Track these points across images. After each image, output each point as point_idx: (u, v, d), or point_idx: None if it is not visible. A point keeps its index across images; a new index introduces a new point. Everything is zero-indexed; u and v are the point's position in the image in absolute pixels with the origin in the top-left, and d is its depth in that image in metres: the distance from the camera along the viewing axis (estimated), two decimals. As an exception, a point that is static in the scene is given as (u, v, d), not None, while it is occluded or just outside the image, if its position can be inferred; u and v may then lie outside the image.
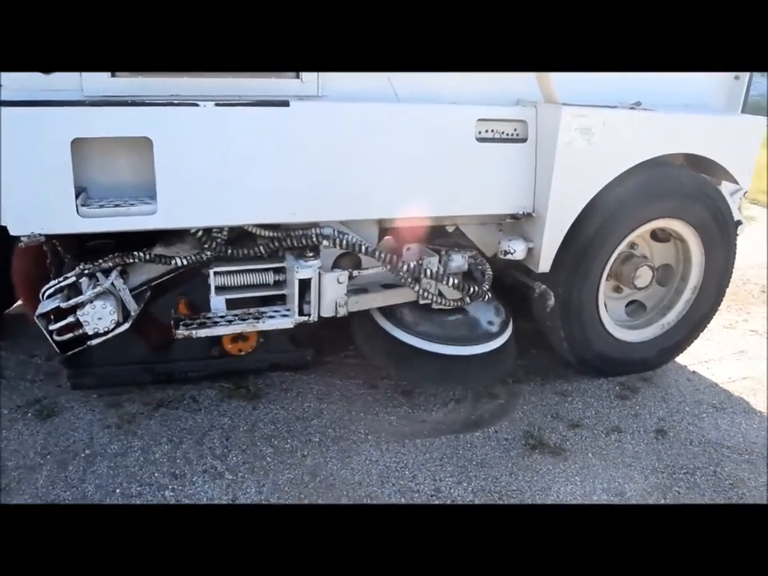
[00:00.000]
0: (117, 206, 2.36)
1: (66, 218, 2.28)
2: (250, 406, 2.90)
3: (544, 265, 2.80)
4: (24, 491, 2.37)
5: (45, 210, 2.27)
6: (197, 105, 2.33)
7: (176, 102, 2.33)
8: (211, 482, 2.44)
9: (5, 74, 2.28)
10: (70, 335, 2.46)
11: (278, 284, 2.75)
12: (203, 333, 2.56)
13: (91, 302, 2.40)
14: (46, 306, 2.44)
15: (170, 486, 2.41)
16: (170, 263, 2.53)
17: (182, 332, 2.54)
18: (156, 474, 2.47)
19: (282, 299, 2.79)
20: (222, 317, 2.63)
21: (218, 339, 2.82)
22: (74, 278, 2.44)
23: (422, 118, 2.60)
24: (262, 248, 2.64)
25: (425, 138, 2.61)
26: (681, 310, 3.20)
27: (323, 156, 2.49)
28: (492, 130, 2.71)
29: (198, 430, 2.74)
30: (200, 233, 2.52)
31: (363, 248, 2.57)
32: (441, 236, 3.00)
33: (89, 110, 2.25)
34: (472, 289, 2.73)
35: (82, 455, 2.57)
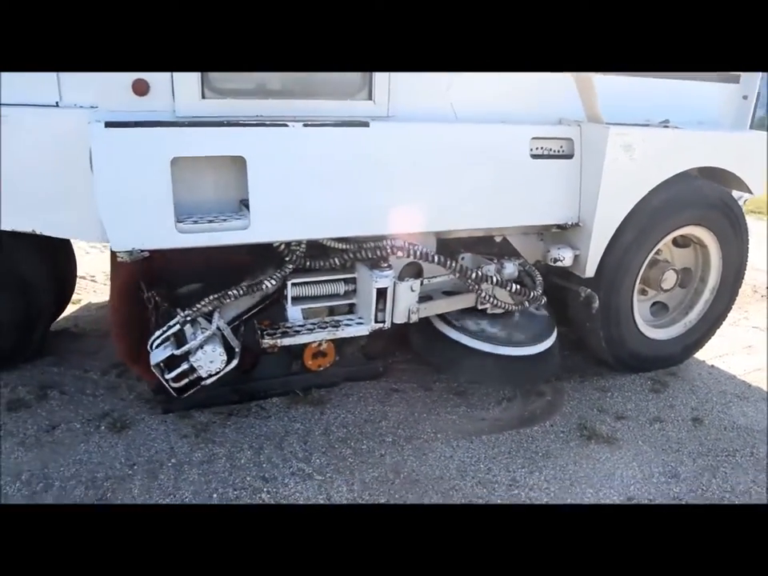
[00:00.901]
0: (210, 221, 2.47)
1: (166, 234, 2.38)
2: (318, 412, 3.03)
3: (590, 270, 3.05)
4: (123, 500, 2.43)
5: (145, 226, 2.36)
6: (286, 125, 2.48)
7: (267, 122, 2.47)
8: (303, 483, 2.56)
9: (101, 97, 2.38)
10: (186, 380, 2.57)
11: (347, 294, 2.91)
12: (287, 341, 2.69)
13: (201, 347, 2.50)
14: (159, 356, 2.57)
15: (265, 489, 2.52)
16: (261, 288, 2.64)
17: (267, 341, 2.66)
18: (248, 479, 2.57)
19: (350, 308, 2.95)
20: (301, 326, 2.76)
21: (299, 356, 2.93)
22: (178, 326, 2.55)
23: (483, 136, 2.81)
24: (336, 260, 2.78)
25: (485, 155, 2.82)
26: (701, 309, 3.52)
27: (397, 173, 2.67)
28: (542, 148, 2.95)
29: (274, 435, 2.84)
30: (282, 247, 2.65)
31: (436, 258, 2.75)
32: (487, 245, 3.22)
33: (188, 130, 2.36)
34: (532, 293, 2.95)
35: (169, 464, 2.64)
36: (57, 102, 2.45)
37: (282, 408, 3.05)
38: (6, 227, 2.59)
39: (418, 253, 2.73)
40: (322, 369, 3.06)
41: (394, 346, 3.41)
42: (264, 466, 2.65)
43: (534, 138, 2.89)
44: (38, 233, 2.58)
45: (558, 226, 3.05)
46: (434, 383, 3.31)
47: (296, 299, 2.80)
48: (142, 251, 2.34)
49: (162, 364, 2.58)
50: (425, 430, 2.94)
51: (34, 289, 3.13)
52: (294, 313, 2.79)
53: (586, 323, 3.25)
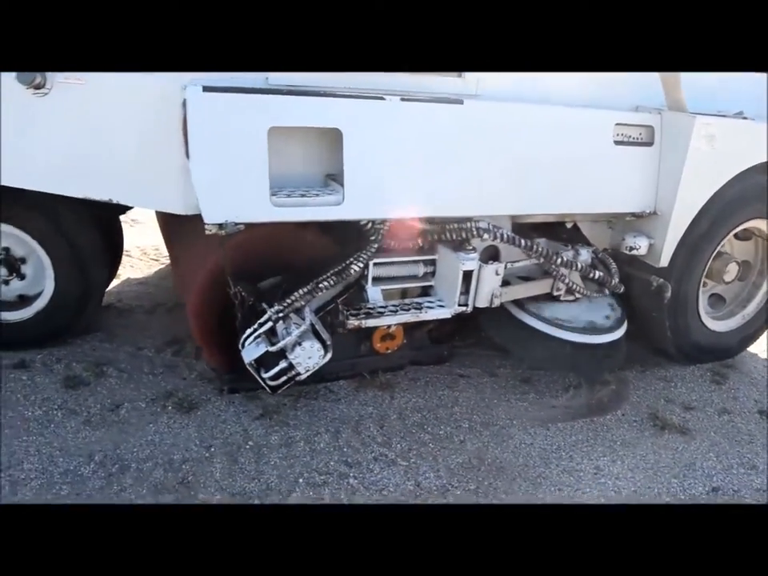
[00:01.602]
0: (302, 195, 2.37)
1: (260, 207, 2.28)
2: (387, 396, 2.96)
3: (664, 260, 3.02)
4: (205, 484, 2.34)
5: (240, 197, 2.26)
6: (383, 98, 2.38)
7: (365, 94, 2.37)
8: (388, 469, 2.49)
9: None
10: (284, 378, 2.49)
11: (425, 276, 2.83)
12: (372, 323, 2.62)
13: (299, 343, 2.41)
14: (253, 354, 2.49)
15: (351, 474, 2.45)
16: (349, 274, 2.55)
17: (352, 322, 2.57)
18: (331, 463, 2.50)
19: (422, 290, 2.88)
20: (383, 307, 2.68)
21: (368, 338, 2.85)
22: (271, 323, 2.46)
23: (570, 120, 2.75)
24: (419, 240, 2.70)
25: (570, 139, 2.76)
26: (759, 301, 3.52)
27: (485, 153, 2.60)
28: (623, 134, 2.89)
29: (348, 419, 2.77)
30: (369, 225, 2.56)
31: (522, 242, 2.69)
32: (556, 231, 3.17)
33: (288, 98, 2.25)
34: (613, 281, 2.91)
35: (246, 447, 2.55)
36: (142, 63, 2.31)
37: (350, 391, 2.97)
38: (79, 195, 2.47)
39: (505, 236, 2.67)
40: (389, 351, 2.99)
41: (456, 331, 3.35)
42: (345, 450, 2.58)
43: (617, 124, 2.84)
44: (114, 202, 2.45)
45: (634, 214, 3.01)
46: (498, 369, 3.26)
47: (376, 280, 2.71)
48: (237, 224, 2.23)
49: (254, 362, 2.50)
50: (499, 416, 2.89)
51: (91, 262, 3.00)
52: (374, 293, 2.71)
53: (652, 312, 3.23)
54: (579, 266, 2.84)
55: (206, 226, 2.31)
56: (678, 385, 3.29)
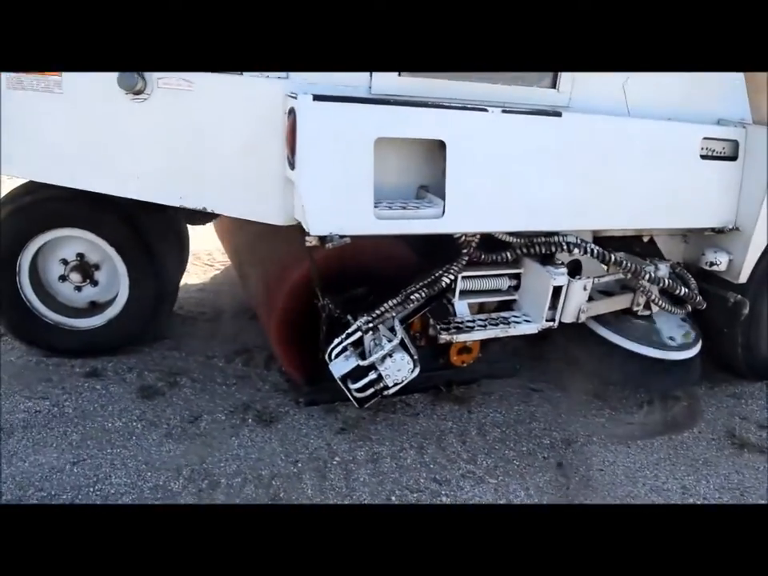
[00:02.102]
0: (403, 208, 2.33)
1: (365, 220, 2.24)
2: (464, 410, 2.92)
3: (743, 276, 2.99)
4: (298, 501, 2.30)
5: (346, 209, 2.22)
6: (486, 110, 2.35)
7: (468, 106, 2.34)
8: (478, 487, 2.46)
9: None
10: (372, 390, 2.45)
11: (508, 290, 2.80)
12: (463, 337, 2.59)
13: (389, 355, 2.37)
14: (343, 367, 2.47)
15: (443, 492, 2.42)
16: (441, 286, 2.52)
17: (444, 337, 2.54)
18: (421, 480, 2.46)
19: (501, 304, 2.85)
20: (472, 321, 2.65)
21: (445, 351, 2.81)
22: (360, 334, 2.44)
23: (661, 133, 2.72)
24: (508, 254, 2.67)
25: (660, 152, 2.73)
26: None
27: (581, 165, 2.57)
28: (708, 148, 2.87)
29: (430, 434, 2.73)
30: (462, 238, 2.53)
31: (613, 257, 2.66)
32: (630, 245, 3.14)
33: (396, 109, 2.22)
34: (697, 297, 2.89)
35: (334, 462, 2.52)
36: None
37: (427, 405, 2.94)
38: (174, 203, 2.43)
39: (595, 251, 2.64)
40: (464, 365, 2.95)
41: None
42: (432, 467, 2.54)
43: (704, 138, 2.81)
44: (209, 211, 2.41)
45: (714, 230, 2.98)
46: (569, 383, 3.23)
47: (462, 293, 2.68)
48: (342, 237, 2.19)
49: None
50: (578, 432, 2.86)
51: (166, 269, 2.96)
52: (461, 307, 2.68)
53: (724, 328, 3.21)
54: (667, 282, 2.81)
55: (306, 239, 2.27)
56: (749, 402, 3.26)
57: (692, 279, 3.02)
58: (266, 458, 2.51)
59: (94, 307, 3.06)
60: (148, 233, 2.86)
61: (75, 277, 2.97)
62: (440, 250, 2.67)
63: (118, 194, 2.45)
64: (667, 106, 2.81)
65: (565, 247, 2.62)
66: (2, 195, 2.93)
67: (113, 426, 2.61)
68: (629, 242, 3.11)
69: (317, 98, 2.10)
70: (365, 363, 2.44)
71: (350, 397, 2.54)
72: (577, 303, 2.71)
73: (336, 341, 2.52)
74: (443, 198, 2.33)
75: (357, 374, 2.50)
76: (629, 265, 2.69)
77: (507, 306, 2.85)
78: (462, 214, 2.37)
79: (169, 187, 2.40)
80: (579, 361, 3.16)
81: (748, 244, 2.94)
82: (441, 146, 2.32)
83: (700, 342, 3.07)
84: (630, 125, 2.67)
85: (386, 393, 2.52)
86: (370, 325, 2.49)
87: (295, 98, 2.09)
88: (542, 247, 2.64)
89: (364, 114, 2.17)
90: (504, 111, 2.37)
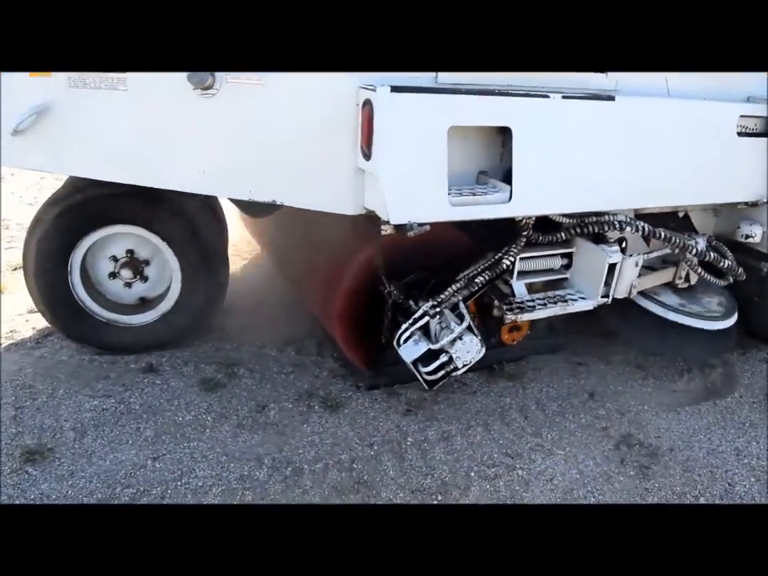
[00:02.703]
0: (473, 194, 2.38)
1: (441, 207, 2.29)
2: (519, 386, 3.02)
3: (776, 246, 3.13)
4: (384, 482, 2.37)
5: (423, 197, 2.26)
6: (548, 96, 2.40)
7: (531, 93, 2.39)
8: (549, 459, 2.56)
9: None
10: (443, 372, 2.51)
11: (560, 269, 2.89)
12: (527, 317, 2.67)
13: (459, 337, 2.43)
14: (415, 352, 2.53)
15: (517, 465, 2.51)
16: (502, 267, 2.59)
17: (509, 317, 2.62)
18: (495, 456, 2.55)
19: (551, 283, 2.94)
20: (531, 301, 2.73)
21: (496, 330, 2.89)
22: (427, 318, 2.50)
23: (702, 113, 2.80)
24: (562, 234, 2.75)
25: (701, 131, 2.82)
26: None
27: (632, 147, 2.64)
28: (742, 126, 2.97)
29: (491, 411, 2.82)
30: (523, 221, 2.59)
31: (662, 234, 2.76)
32: (664, 221, 3.25)
33: (467, 98, 2.26)
34: (739, 269, 3.01)
35: (407, 443, 2.59)
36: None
37: (482, 383, 3.03)
38: (242, 197, 2.44)
39: (646, 229, 2.73)
40: (514, 343, 3.04)
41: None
42: (501, 442, 2.64)
43: (741, 116, 2.91)
44: (278, 203, 2.43)
45: (747, 204, 3.10)
46: (611, 356, 3.35)
47: (520, 274, 2.76)
48: (421, 225, 2.24)
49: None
50: (628, 402, 2.98)
51: (218, 262, 2.97)
52: (519, 288, 2.76)
53: (755, 297, 3.35)
54: (711, 255, 2.93)
55: (382, 227, 2.32)
56: (781, 366, 3.43)
57: (728, 251, 3.15)
58: (341, 443, 2.57)
59: (143, 303, 3.05)
60: (200, 227, 2.86)
61: (126, 273, 2.96)
62: (473, 231, 2.74)
63: (183, 190, 2.44)
64: (702, 86, 2.91)
65: (617, 226, 2.71)
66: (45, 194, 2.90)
67: (183, 420, 2.63)
68: (665, 218, 3.21)
69: (394, 89, 2.13)
70: (436, 347, 2.51)
71: (420, 379, 2.61)
72: (629, 279, 2.81)
73: (403, 326, 2.57)
74: (505, 182, 2.40)
75: (426, 356, 2.57)
76: (677, 240, 2.79)
77: (554, 284, 2.94)
78: (528, 197, 2.44)
79: (238, 181, 2.40)
80: (617, 333, 3.28)
81: (780, 216, 3.08)
82: (500, 131, 2.38)
83: (736, 311, 3.21)
84: (675, 106, 2.74)
85: (455, 374, 2.60)
86: (437, 309, 2.56)
87: (372, 89, 2.11)
88: (594, 227, 2.72)
89: (439, 103, 2.20)
90: (564, 97, 2.42)
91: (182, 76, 2.24)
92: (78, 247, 2.83)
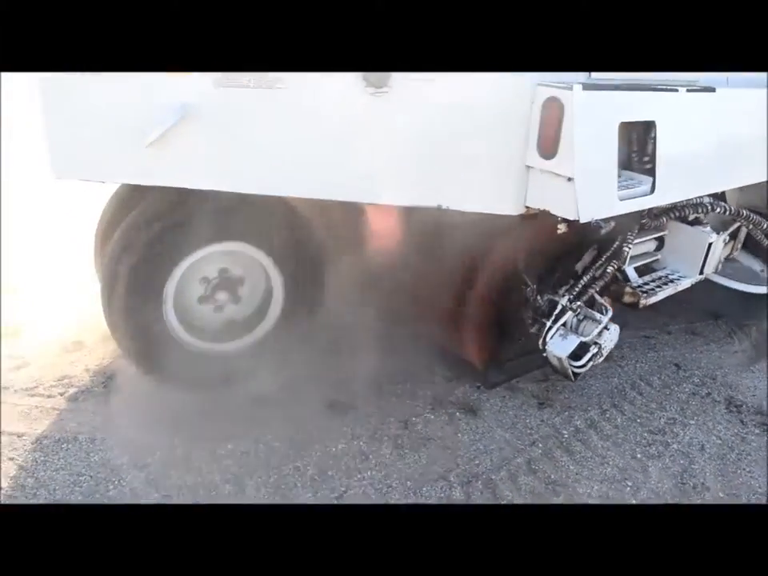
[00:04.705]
0: (626, 188, 2.44)
1: (614, 202, 2.32)
2: (615, 366, 3.16)
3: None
4: (574, 478, 2.39)
5: (601, 194, 2.27)
6: (677, 90, 2.52)
7: (668, 87, 2.48)
8: (688, 429, 2.71)
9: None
10: (591, 363, 2.54)
11: (654, 251, 3.06)
12: (651, 300, 2.79)
13: (606, 328, 2.49)
14: (567, 347, 2.52)
15: (668, 441, 2.63)
16: (623, 255, 2.67)
17: (644, 301, 2.73)
18: (644, 435, 2.66)
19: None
20: (646, 284, 2.86)
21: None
22: (570, 313, 2.53)
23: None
24: (664, 219, 2.90)
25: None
26: None
27: (724, 134, 2.86)
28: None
29: (611, 393, 2.94)
30: (645, 210, 2.70)
31: (744, 213, 3.02)
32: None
33: (635, 94, 2.30)
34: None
35: (564, 436, 2.62)
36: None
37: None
38: (406, 203, 2.28)
39: (732, 210, 2.97)
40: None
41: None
42: (639, 420, 2.75)
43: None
44: (443, 208, 2.29)
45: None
46: (667, 327, 3.61)
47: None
48: (605, 221, 2.25)
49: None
50: (708, 367, 3.24)
51: (319, 276, 2.74)
52: (631, 273, 2.88)
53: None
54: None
55: (558, 227, 2.30)
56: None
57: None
58: (506, 446, 2.53)
59: (232, 327, 2.73)
60: (302, 238, 2.62)
61: (221, 296, 2.63)
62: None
63: (346, 200, 2.22)
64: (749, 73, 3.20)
65: (709, 209, 2.91)
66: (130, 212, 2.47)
67: (337, 450, 2.43)
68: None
69: (586, 86, 2.11)
70: (588, 339, 2.55)
71: (568, 373, 2.63)
72: (719, 256, 3.05)
73: (548, 323, 2.58)
74: (645, 174, 2.49)
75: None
76: (753, 217, 3.08)
77: (646, 267, 3.10)
78: (668, 188, 2.54)
79: (403, 187, 2.23)
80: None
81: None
82: (638, 125, 2.46)
83: (770, 277, 3.62)
84: (754, 94, 3.00)
85: (597, 362, 2.66)
86: (578, 303, 2.59)
87: (567, 88, 2.07)
88: (689, 210, 2.91)
89: (615, 100, 2.22)
90: (688, 90, 2.56)
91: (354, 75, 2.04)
92: (175, 271, 2.46)
